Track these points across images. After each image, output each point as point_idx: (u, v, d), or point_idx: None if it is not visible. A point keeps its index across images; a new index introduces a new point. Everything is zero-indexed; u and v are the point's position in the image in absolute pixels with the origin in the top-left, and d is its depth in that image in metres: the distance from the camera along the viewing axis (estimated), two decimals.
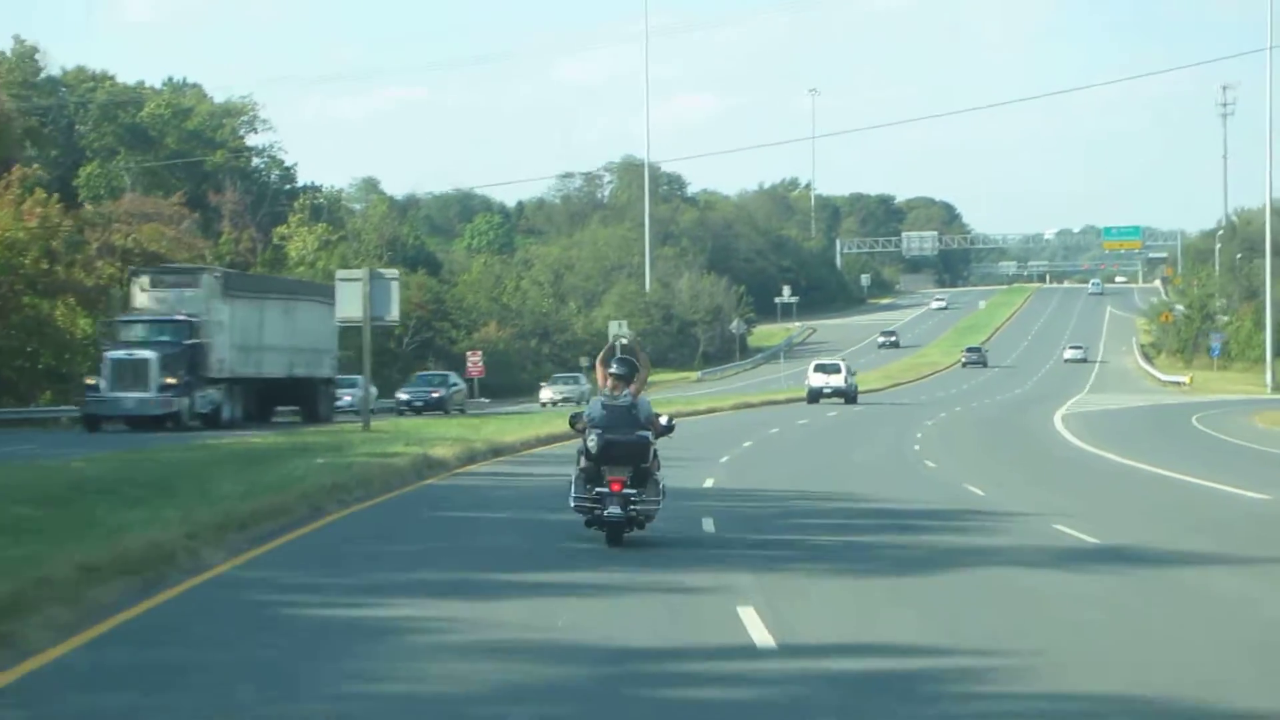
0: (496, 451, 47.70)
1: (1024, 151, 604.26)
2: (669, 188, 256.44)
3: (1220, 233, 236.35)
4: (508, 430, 55.51)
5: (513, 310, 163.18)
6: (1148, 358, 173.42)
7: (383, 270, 58.57)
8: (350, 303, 53.95)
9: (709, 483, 38.61)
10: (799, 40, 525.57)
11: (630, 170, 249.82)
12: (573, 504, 23.48)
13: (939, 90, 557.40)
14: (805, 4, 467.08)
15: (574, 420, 23.90)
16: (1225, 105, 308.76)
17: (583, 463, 23.28)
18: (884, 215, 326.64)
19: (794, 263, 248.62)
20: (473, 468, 42.61)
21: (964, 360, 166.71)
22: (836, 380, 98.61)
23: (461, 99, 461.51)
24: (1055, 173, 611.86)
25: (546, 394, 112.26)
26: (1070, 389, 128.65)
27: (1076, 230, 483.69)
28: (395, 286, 54.69)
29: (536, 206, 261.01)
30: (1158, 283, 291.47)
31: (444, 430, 53.89)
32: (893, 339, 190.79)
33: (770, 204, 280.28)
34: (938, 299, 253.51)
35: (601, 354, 24.96)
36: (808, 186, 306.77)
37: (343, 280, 55.56)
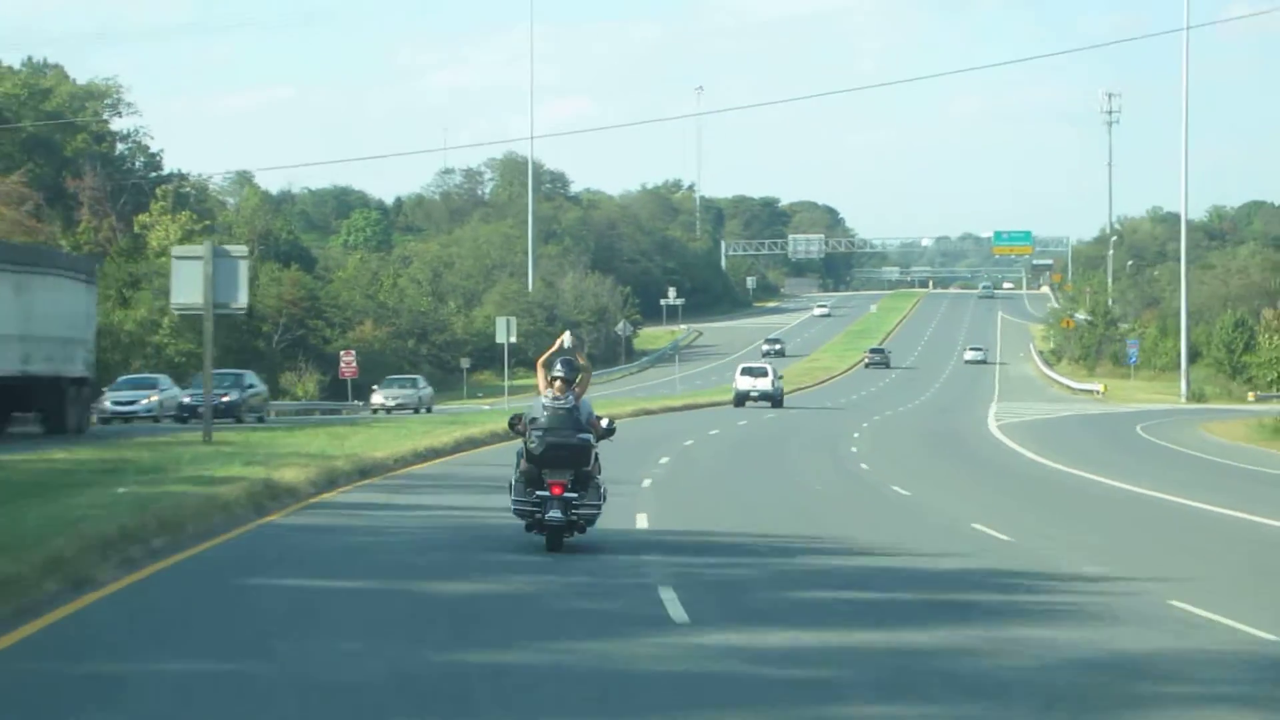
0: (364, 472, 37.63)
1: (904, 158, 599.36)
2: (552, 185, 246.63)
3: (1114, 239, 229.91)
4: (379, 443, 45.45)
5: (389, 309, 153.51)
6: (1049, 364, 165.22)
7: (229, 247, 47.20)
8: (188, 286, 43.21)
9: (641, 521, 28.78)
10: (678, 47, 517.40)
11: (512, 166, 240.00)
12: (513, 508, 22.59)
13: (821, 98, 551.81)
14: (683, 13, 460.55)
15: (513, 421, 22.94)
16: (1110, 114, 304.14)
17: (523, 465, 22.38)
18: (768, 218, 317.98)
19: (679, 264, 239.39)
20: (332, 496, 32.55)
21: (867, 361, 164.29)
22: (763, 384, 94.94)
23: (335, 99, 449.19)
24: (935, 179, 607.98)
25: (378, 398, 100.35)
26: (980, 395, 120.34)
27: (955, 238, 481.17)
28: (244, 267, 43.80)
29: (416, 203, 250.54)
30: (1046, 289, 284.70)
31: (303, 444, 43.52)
32: (777, 347, 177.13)
33: (654, 204, 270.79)
34: (820, 305, 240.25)
35: (543, 356, 23.93)
36: (691, 188, 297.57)
37: (179, 258, 44.72)
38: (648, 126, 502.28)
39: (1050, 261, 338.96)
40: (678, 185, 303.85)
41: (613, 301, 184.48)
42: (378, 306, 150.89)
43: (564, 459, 22.17)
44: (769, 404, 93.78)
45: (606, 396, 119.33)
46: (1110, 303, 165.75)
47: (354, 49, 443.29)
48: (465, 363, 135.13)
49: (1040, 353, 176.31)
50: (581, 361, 23.06)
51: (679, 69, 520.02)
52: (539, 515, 22.30)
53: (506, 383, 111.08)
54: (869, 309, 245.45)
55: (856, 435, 66.62)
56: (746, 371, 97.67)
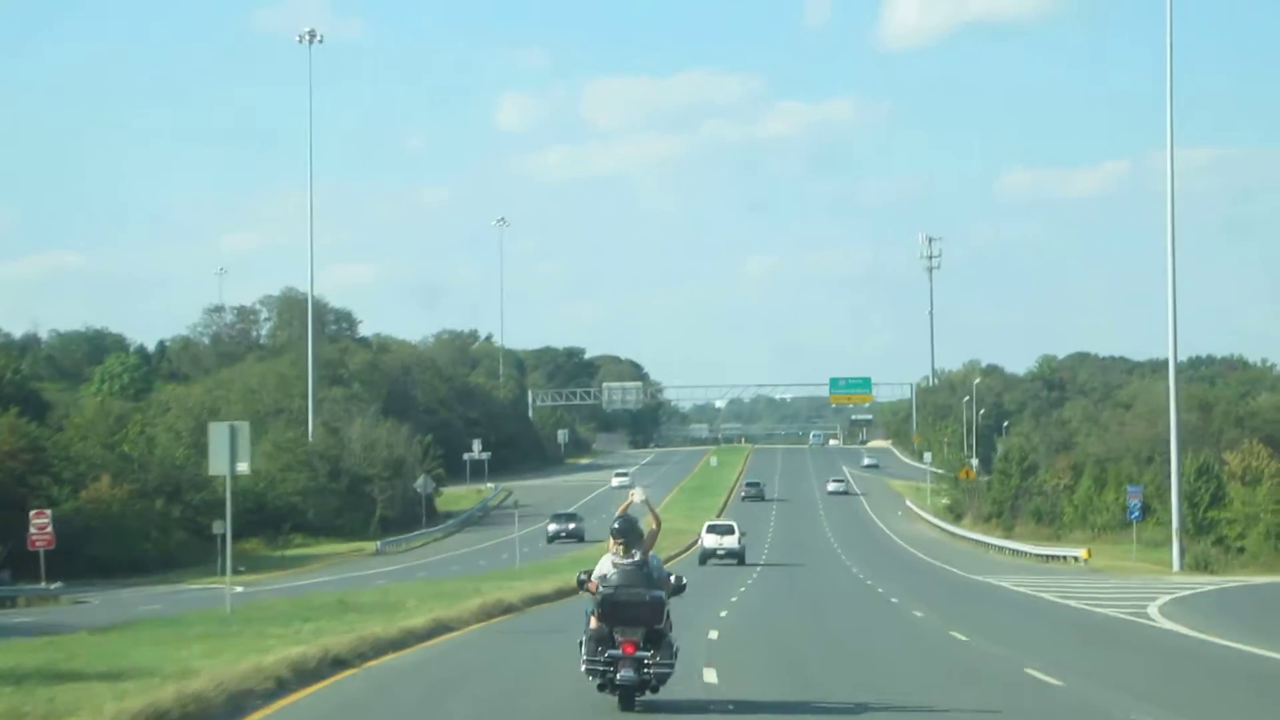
0: None
1: (702, 317, 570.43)
2: (338, 326, 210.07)
3: (967, 397, 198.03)
4: None
5: (135, 461, 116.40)
6: (949, 523, 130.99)
7: None
8: None
9: None
10: (469, 209, 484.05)
11: (291, 305, 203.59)
12: (584, 668, 21.08)
13: (619, 257, 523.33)
14: (472, 179, 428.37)
15: (582, 579, 21.53)
16: (931, 258, 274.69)
17: (593, 624, 21.09)
18: (573, 370, 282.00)
19: (483, 415, 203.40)
20: None
21: (744, 494, 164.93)
22: (729, 541, 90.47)
23: (120, 263, 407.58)
24: (732, 339, 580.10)
25: None
26: (909, 565, 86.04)
27: (748, 400, 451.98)
28: None
29: (181, 347, 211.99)
30: (886, 443, 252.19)
31: None
32: (569, 527, 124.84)
33: (453, 351, 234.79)
34: (619, 474, 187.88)
35: (618, 511, 21.91)
36: (490, 338, 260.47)
37: None
38: (442, 280, 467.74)
39: (870, 417, 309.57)
40: (475, 336, 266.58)
41: (410, 453, 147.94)
42: (119, 459, 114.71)
43: (636, 617, 20.80)
44: (735, 561, 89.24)
45: (403, 571, 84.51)
46: (962, 453, 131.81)
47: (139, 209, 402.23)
48: (219, 527, 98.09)
49: (940, 508, 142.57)
50: (652, 520, 21.46)
51: (471, 229, 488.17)
52: (611, 675, 20.74)
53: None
54: (698, 463, 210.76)
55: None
56: (712, 529, 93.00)
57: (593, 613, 21.19)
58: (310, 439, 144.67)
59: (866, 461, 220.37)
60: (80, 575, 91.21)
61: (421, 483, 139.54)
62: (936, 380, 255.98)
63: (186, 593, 79.05)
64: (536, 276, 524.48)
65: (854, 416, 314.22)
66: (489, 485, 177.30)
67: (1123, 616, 45.33)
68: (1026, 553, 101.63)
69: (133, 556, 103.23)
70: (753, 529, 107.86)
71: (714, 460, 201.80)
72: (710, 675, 26.49)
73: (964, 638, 35.15)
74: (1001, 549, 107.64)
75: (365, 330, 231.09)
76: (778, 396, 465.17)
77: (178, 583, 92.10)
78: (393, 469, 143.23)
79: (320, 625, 32.50)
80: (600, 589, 20.97)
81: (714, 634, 37.16)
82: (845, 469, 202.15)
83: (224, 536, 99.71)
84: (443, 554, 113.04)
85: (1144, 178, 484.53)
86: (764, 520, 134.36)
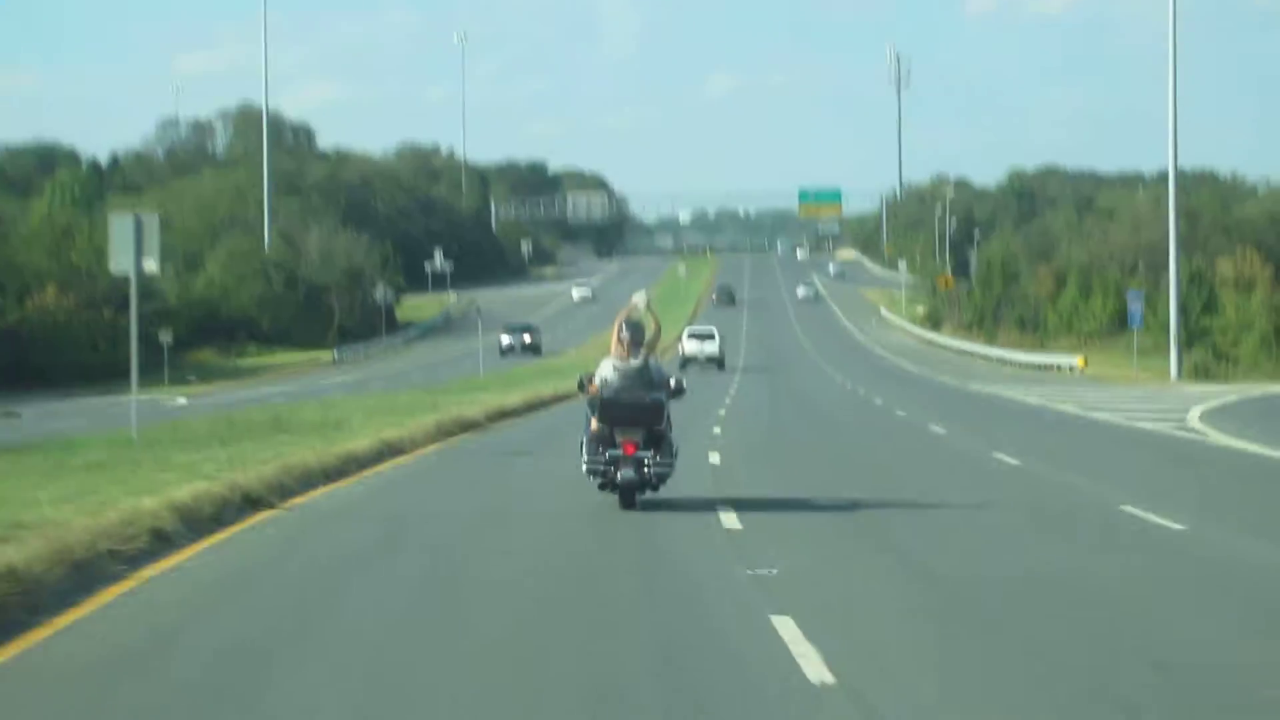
0: None
1: (666, 133, 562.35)
2: (296, 139, 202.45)
3: (941, 201, 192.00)
4: None
5: (83, 272, 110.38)
6: (928, 330, 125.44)
7: None
8: None
9: None
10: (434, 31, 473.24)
11: (248, 119, 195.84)
12: (584, 468, 20.87)
13: (584, 74, 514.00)
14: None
15: (583, 382, 21.14)
16: (899, 73, 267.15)
17: (593, 425, 20.72)
18: (536, 184, 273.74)
19: (445, 226, 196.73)
20: None
21: (715, 298, 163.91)
22: (710, 347, 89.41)
23: (73, 81, 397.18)
24: (696, 154, 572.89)
25: None
26: (902, 380, 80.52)
27: (712, 214, 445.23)
28: None
29: (134, 160, 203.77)
30: (855, 254, 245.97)
31: None
32: (524, 339, 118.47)
33: (414, 164, 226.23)
34: (579, 285, 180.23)
35: (619, 318, 21.40)
36: (453, 155, 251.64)
37: None
38: (405, 97, 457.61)
39: (836, 229, 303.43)
40: (438, 151, 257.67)
41: (369, 263, 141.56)
42: (67, 270, 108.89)
43: (637, 418, 20.51)
44: (715, 366, 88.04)
45: (360, 383, 78.89)
46: (1003, 259, 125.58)
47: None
48: (165, 336, 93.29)
49: (917, 318, 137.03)
50: (654, 322, 21.38)
51: (435, 50, 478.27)
52: (612, 475, 20.53)
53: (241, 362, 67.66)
54: (664, 272, 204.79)
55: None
56: (693, 335, 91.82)
57: (593, 414, 20.82)
58: (266, 249, 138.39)
59: (834, 270, 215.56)
60: (26, 386, 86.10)
61: (381, 292, 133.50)
62: (904, 194, 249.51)
63: (121, 406, 72.82)
64: (501, 96, 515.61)
65: (821, 229, 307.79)
66: (451, 295, 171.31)
67: (1176, 433, 39.66)
68: (1016, 361, 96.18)
69: (80, 367, 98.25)
70: (726, 335, 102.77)
71: (682, 269, 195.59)
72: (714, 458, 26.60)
73: (1016, 462, 29.35)
74: (987, 357, 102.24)
75: (326, 146, 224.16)
76: (741, 212, 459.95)
77: (121, 393, 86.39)
78: (351, 278, 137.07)
79: (240, 451, 26.41)
80: (601, 391, 20.65)
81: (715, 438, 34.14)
82: (815, 276, 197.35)
83: (169, 345, 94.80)
84: (403, 364, 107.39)
85: None
86: (736, 325, 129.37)
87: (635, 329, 21.03)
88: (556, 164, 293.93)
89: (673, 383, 21.23)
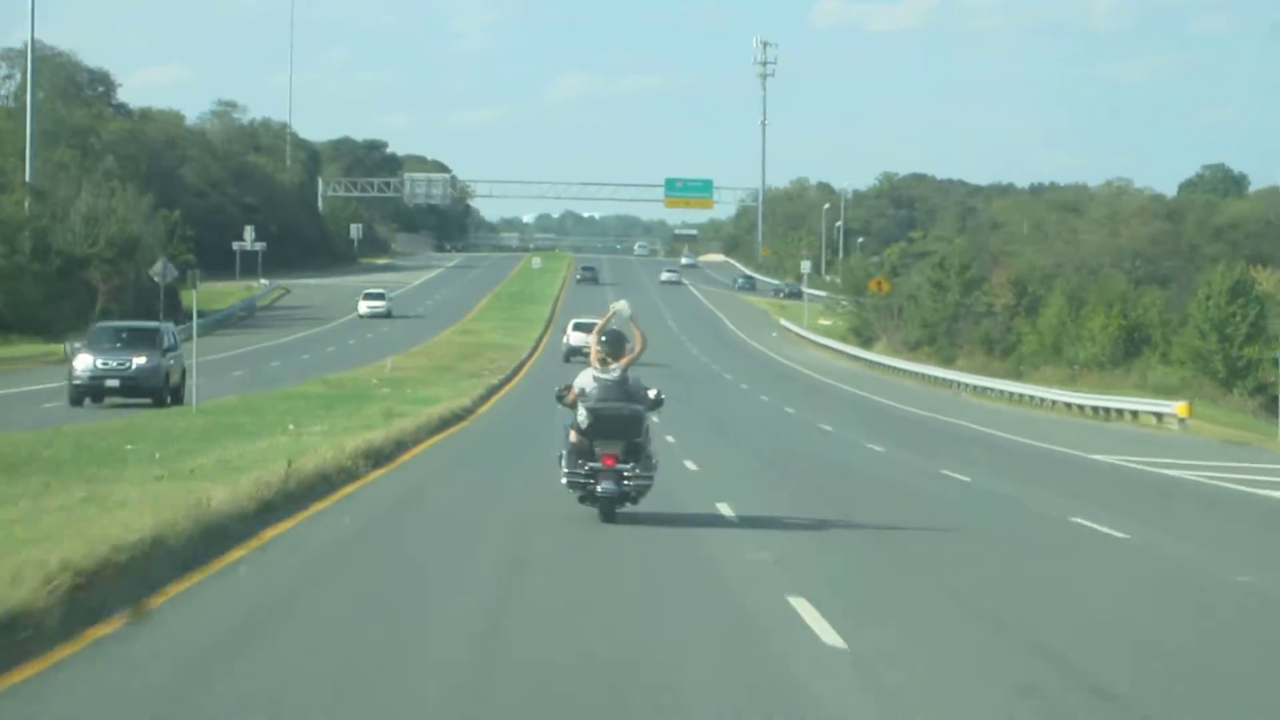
0: None
1: (511, 133, 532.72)
2: (93, 89, 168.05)
3: (828, 205, 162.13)
4: None
5: None
6: (855, 348, 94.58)
7: None
8: None
9: None
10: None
11: (43, 62, 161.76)
12: (564, 480, 20.15)
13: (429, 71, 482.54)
14: None
15: (561, 393, 20.51)
16: (765, 65, 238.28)
17: (573, 437, 20.06)
18: (374, 165, 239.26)
19: (262, 200, 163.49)
20: None
21: (579, 276, 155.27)
22: None
23: None
24: (541, 154, 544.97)
25: None
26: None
27: (556, 215, 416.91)
28: None
29: None
30: (721, 258, 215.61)
31: None
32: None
33: (231, 129, 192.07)
34: (369, 297, 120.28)
35: (599, 325, 20.88)
36: (284, 129, 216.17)
37: None
38: (248, 82, 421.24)
39: (694, 232, 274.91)
40: (268, 128, 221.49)
41: (150, 232, 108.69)
42: None
43: (616, 430, 19.88)
44: None
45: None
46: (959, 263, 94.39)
47: None
48: None
49: (812, 331, 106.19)
50: (636, 332, 20.48)
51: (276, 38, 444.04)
52: (591, 487, 19.91)
53: None
54: (514, 268, 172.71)
55: None
56: (579, 327, 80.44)
57: (572, 426, 20.09)
58: (26, 209, 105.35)
59: (685, 260, 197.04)
60: None
61: (160, 268, 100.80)
62: (768, 196, 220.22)
63: None
64: (349, 85, 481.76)
65: (677, 231, 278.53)
66: (262, 281, 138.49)
67: None
68: (1038, 399, 65.01)
69: None
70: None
71: (536, 262, 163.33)
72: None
73: None
74: (981, 389, 71.42)
75: (133, 103, 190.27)
76: (586, 214, 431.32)
77: None
78: (122, 250, 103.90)
79: None
80: (580, 403, 19.90)
81: None
82: (683, 260, 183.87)
83: None
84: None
85: (951, 16, 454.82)
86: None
87: (613, 339, 20.21)
88: (401, 151, 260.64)
89: (651, 394, 20.24)
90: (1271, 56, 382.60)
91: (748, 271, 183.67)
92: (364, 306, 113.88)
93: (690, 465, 29.53)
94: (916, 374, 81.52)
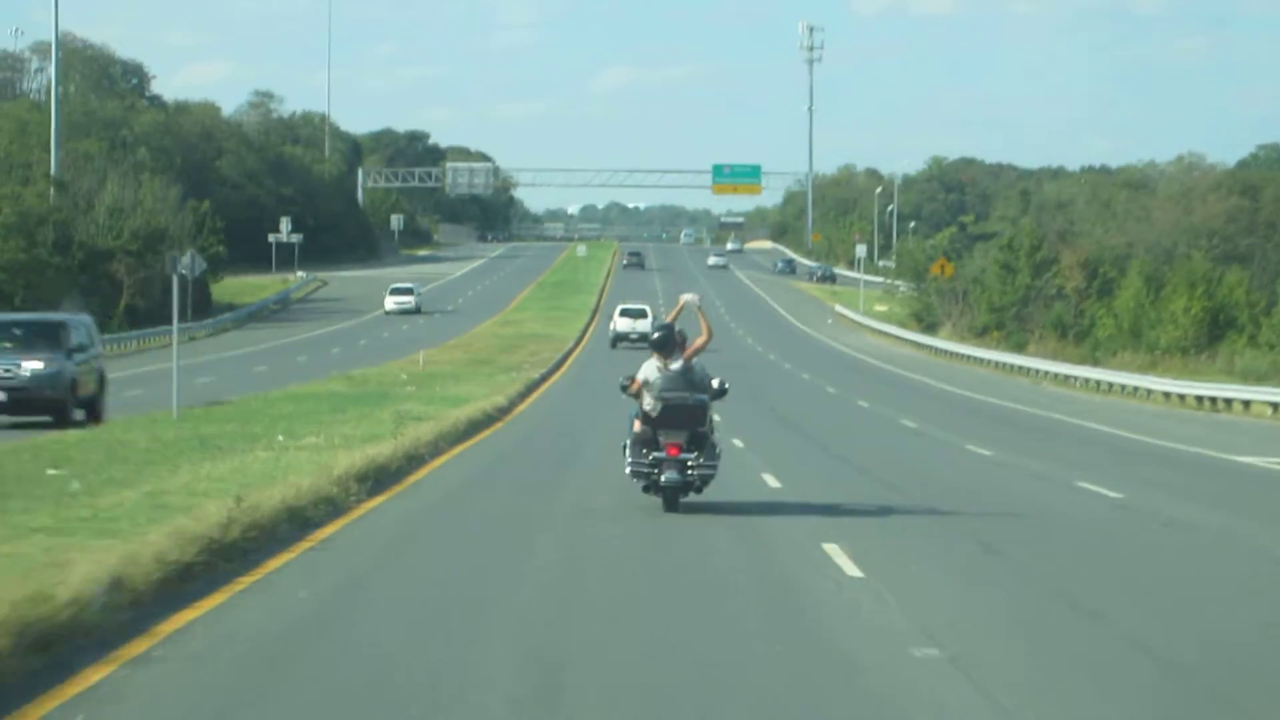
0: None
1: (557, 126, 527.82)
2: (127, 81, 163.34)
3: (880, 188, 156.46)
4: None
5: None
6: (917, 333, 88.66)
7: None
8: None
9: None
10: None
11: (68, 54, 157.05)
12: (628, 470, 19.84)
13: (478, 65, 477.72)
14: None
15: (625, 383, 20.06)
16: (811, 50, 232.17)
17: (636, 427, 19.77)
18: (416, 157, 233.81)
19: (300, 192, 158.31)
20: None
21: (625, 261, 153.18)
22: (643, 325, 78.79)
23: None
24: (585, 146, 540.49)
25: None
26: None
27: (601, 206, 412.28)
28: None
29: None
30: (770, 244, 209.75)
31: None
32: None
33: (268, 119, 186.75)
34: (396, 292, 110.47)
35: (669, 317, 20.76)
36: (323, 121, 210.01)
37: None
38: (294, 78, 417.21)
39: (741, 220, 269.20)
40: (308, 119, 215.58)
41: (179, 224, 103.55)
42: None
43: (680, 420, 19.56)
44: (647, 345, 46.48)
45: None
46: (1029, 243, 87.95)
47: None
48: None
49: (869, 317, 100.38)
50: (703, 322, 20.11)
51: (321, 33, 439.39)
52: (655, 477, 19.60)
53: None
54: (558, 257, 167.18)
55: None
56: (625, 313, 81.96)
57: (636, 416, 19.75)
58: (47, 200, 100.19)
59: (731, 246, 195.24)
60: None
61: (187, 261, 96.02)
62: (816, 183, 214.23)
63: None
64: (394, 79, 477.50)
65: (723, 220, 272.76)
66: (299, 274, 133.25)
67: None
68: (1129, 387, 58.77)
69: None
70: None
71: (581, 249, 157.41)
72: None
73: None
74: (1064, 378, 65.28)
75: (168, 94, 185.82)
76: (631, 205, 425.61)
77: None
78: (147, 242, 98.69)
79: None
80: (645, 392, 19.56)
81: None
82: (729, 245, 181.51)
83: None
84: (199, 357, 70.15)
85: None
86: (654, 307, 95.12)
87: (659, 343, 19.73)
88: (444, 144, 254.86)
89: (715, 384, 19.88)
90: None
91: (790, 255, 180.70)
92: (390, 302, 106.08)
93: (771, 481, 23.91)
94: (988, 361, 75.44)
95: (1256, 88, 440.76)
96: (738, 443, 30.23)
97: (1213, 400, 51.52)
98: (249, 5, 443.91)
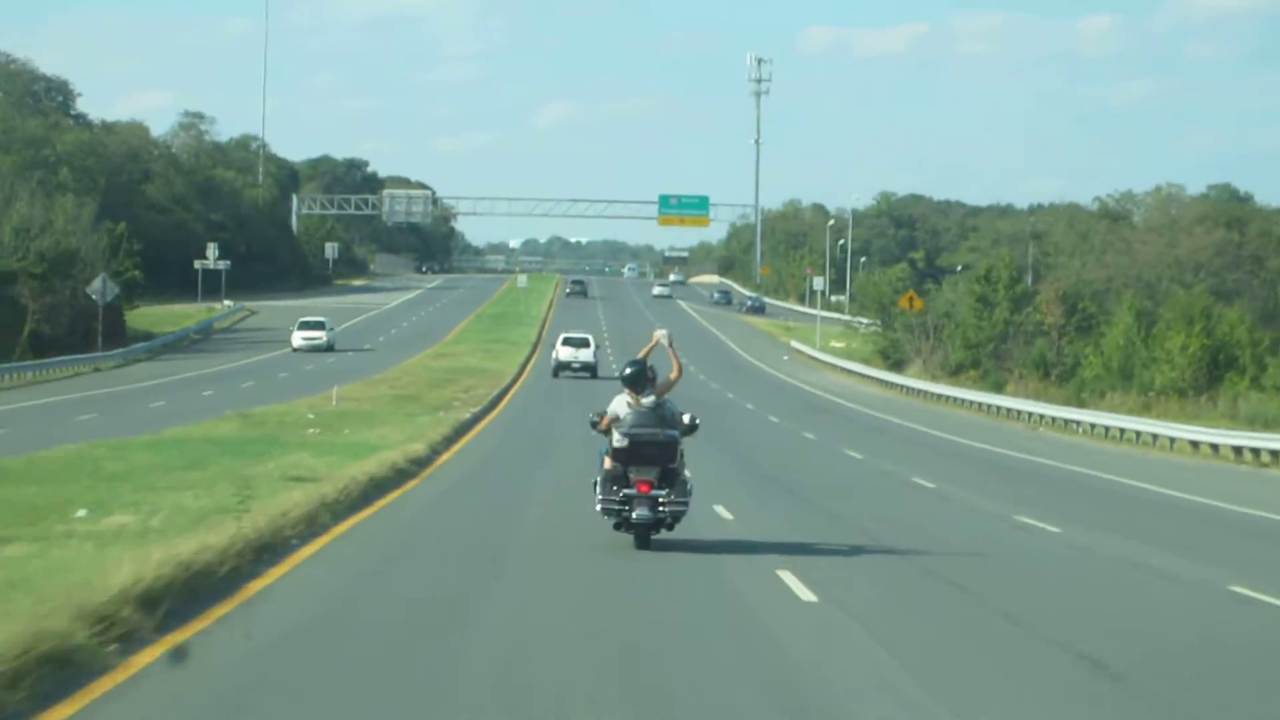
0: None
1: (497, 160, 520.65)
2: (50, 97, 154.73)
3: (831, 222, 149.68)
4: None
5: None
6: (880, 371, 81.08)
7: None
8: None
9: None
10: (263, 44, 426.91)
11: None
12: (599, 507, 19.21)
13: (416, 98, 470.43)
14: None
15: (595, 420, 19.42)
16: (760, 82, 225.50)
17: (607, 464, 19.18)
18: (354, 185, 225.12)
19: (230, 218, 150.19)
20: None
21: (569, 290, 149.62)
22: (585, 354, 78.21)
23: None
24: (527, 179, 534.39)
25: None
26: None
27: (543, 240, 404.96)
28: None
29: None
30: (715, 278, 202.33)
31: None
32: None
33: (198, 141, 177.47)
34: (305, 326, 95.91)
35: (641, 353, 19.48)
36: (260, 147, 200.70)
37: None
38: (234, 106, 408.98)
39: (685, 254, 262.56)
40: (242, 144, 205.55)
41: (90, 245, 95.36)
42: None
43: (651, 456, 18.98)
44: (588, 374, 76.53)
45: None
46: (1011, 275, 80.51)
47: None
48: None
49: (825, 353, 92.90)
50: (674, 359, 19.53)
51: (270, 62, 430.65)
52: (626, 514, 19.00)
53: None
54: (499, 288, 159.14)
55: None
56: (568, 342, 79.58)
57: (606, 453, 19.14)
58: None
59: (674, 277, 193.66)
60: None
61: (98, 286, 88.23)
62: (762, 216, 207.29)
63: None
64: (335, 109, 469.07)
65: (667, 254, 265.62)
66: (225, 303, 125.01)
67: None
68: (1132, 433, 51.14)
69: None
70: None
71: (522, 280, 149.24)
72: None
73: None
74: (1066, 423, 57.63)
75: (97, 114, 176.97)
76: (573, 239, 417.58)
77: None
78: (55, 265, 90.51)
79: None
80: (615, 429, 18.87)
81: None
82: (672, 277, 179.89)
83: None
84: (94, 390, 62.19)
85: (939, 42, 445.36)
86: (597, 337, 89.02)
87: (631, 379, 18.90)
88: (383, 173, 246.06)
89: (686, 419, 19.30)
90: (1259, 81, 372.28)
91: (729, 287, 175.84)
92: (298, 338, 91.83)
93: (800, 591, 16.20)
94: (967, 402, 67.91)
95: (1204, 129, 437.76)
96: (724, 513, 22.68)
97: (1255, 452, 43.92)
98: (187, 35, 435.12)
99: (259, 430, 35.12)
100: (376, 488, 23.78)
